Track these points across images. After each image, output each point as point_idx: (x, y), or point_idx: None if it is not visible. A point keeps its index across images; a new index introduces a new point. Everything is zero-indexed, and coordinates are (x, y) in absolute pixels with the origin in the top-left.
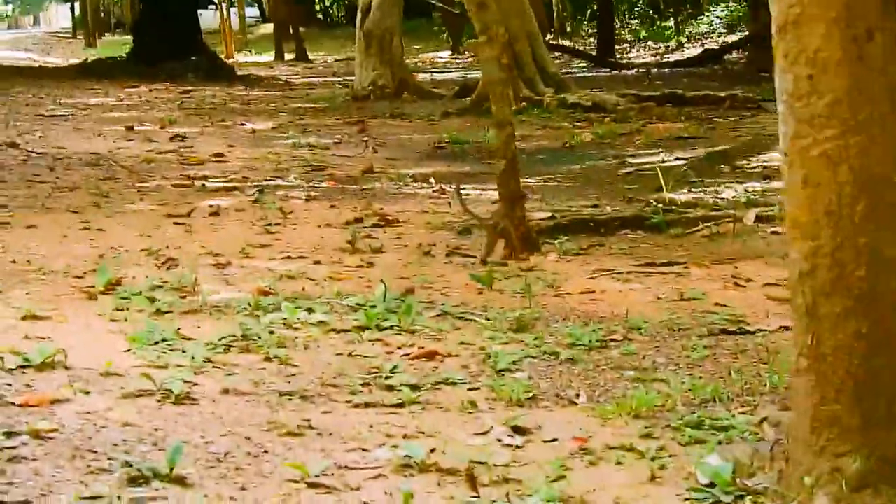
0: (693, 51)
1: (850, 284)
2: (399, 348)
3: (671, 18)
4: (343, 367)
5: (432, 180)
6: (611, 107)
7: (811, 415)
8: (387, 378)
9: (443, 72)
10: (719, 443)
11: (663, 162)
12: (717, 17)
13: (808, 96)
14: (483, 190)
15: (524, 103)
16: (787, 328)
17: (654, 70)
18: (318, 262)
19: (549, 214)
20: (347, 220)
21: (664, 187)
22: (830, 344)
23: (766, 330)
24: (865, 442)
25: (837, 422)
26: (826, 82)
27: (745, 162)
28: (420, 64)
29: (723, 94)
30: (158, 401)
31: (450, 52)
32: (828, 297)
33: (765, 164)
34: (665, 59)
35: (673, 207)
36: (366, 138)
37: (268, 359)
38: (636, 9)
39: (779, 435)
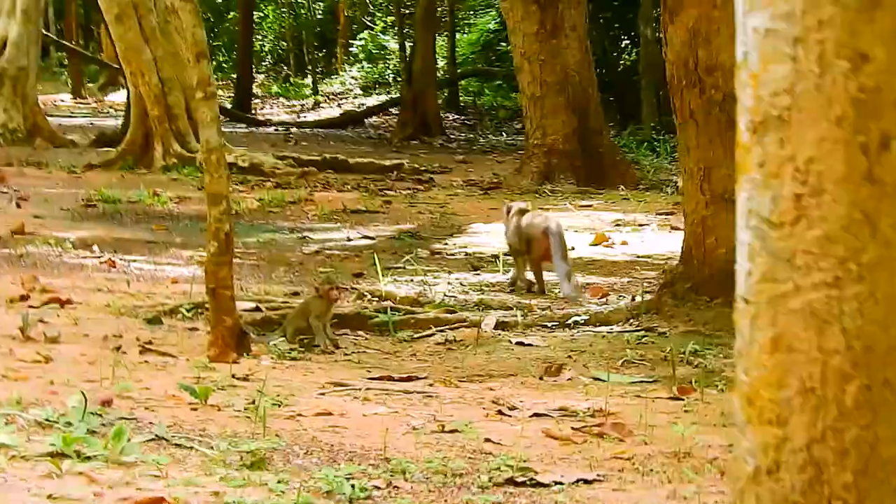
0: (330, 111)
1: (830, 493)
2: (111, 488)
3: (308, 76)
4: None
5: (96, 248)
6: (269, 169)
7: None
8: None
9: (69, 117)
10: None
11: (350, 240)
12: (353, 77)
13: (792, 225)
14: (157, 263)
15: (175, 160)
16: (586, 481)
17: (295, 129)
18: None
19: (253, 305)
20: (11, 297)
21: (380, 278)
22: None
23: (562, 483)
24: None
25: None
26: (821, 207)
27: (442, 246)
28: (43, 107)
29: (388, 162)
30: None
31: (71, 96)
32: None
33: (464, 250)
34: (303, 119)
35: (397, 304)
36: (6, 190)
37: None
38: (264, 63)
39: None
